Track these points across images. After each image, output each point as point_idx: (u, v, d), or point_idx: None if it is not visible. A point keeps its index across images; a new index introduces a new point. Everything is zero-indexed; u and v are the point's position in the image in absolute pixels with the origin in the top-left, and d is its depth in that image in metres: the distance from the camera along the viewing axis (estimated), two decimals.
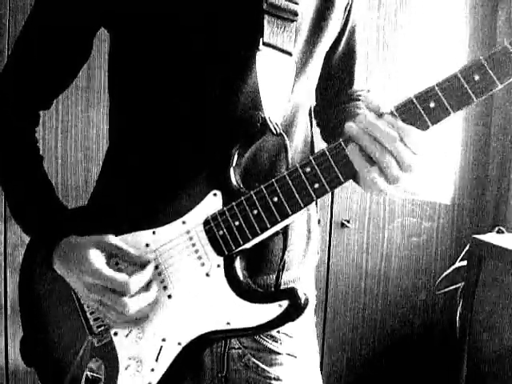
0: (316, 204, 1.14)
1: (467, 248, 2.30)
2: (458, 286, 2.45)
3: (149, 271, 0.92)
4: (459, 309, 2.32)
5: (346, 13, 1.07)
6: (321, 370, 2.53)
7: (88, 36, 1.01)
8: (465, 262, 2.27)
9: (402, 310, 2.56)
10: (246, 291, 0.93)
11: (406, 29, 2.42)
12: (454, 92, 0.81)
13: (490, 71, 0.80)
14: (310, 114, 1.12)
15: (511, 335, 1.95)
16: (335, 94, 1.18)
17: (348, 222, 2.42)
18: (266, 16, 0.94)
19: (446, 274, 2.50)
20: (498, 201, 2.57)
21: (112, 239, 0.93)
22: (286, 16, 0.95)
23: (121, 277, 0.88)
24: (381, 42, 2.40)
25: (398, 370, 2.57)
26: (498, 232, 2.25)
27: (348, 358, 2.53)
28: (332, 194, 2.40)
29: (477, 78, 0.81)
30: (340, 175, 0.87)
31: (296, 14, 0.96)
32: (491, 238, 2.16)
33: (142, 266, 0.93)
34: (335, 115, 1.15)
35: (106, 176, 1.09)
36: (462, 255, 2.45)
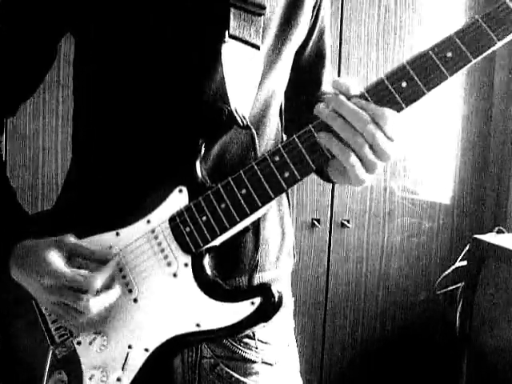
0: (289, 205, 1.08)
1: (467, 248, 2.28)
2: (458, 285, 2.44)
3: (111, 266, 0.85)
4: (459, 309, 2.32)
5: (315, 12, 1.04)
6: (321, 370, 2.53)
7: (52, 40, 0.97)
8: (465, 262, 2.25)
9: (402, 310, 2.52)
10: (216, 290, 0.86)
11: (406, 29, 2.39)
12: (426, 70, 0.77)
13: (463, 46, 0.76)
14: (280, 115, 1.07)
15: (511, 335, 1.95)
16: (302, 96, 1.13)
17: (348, 221, 2.39)
18: (232, 9, 0.91)
19: (445, 273, 2.46)
20: (498, 201, 2.55)
21: (71, 238, 0.86)
22: (253, 9, 0.92)
23: (82, 273, 0.81)
24: (381, 42, 2.40)
25: (398, 369, 2.52)
26: (498, 232, 2.22)
27: (348, 357, 2.49)
28: (332, 193, 2.38)
29: (449, 54, 0.77)
30: (311, 162, 0.81)
31: (263, 8, 0.92)
32: (491, 238, 2.13)
33: (105, 263, 0.86)
34: (300, 114, 1.10)
35: (71, 178, 1.03)
36: (462, 255, 2.40)
